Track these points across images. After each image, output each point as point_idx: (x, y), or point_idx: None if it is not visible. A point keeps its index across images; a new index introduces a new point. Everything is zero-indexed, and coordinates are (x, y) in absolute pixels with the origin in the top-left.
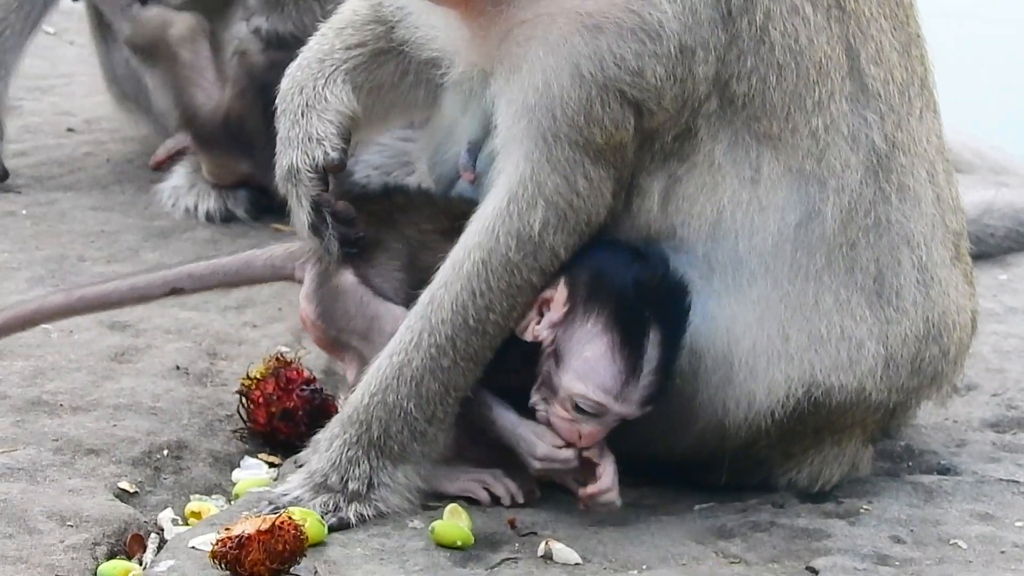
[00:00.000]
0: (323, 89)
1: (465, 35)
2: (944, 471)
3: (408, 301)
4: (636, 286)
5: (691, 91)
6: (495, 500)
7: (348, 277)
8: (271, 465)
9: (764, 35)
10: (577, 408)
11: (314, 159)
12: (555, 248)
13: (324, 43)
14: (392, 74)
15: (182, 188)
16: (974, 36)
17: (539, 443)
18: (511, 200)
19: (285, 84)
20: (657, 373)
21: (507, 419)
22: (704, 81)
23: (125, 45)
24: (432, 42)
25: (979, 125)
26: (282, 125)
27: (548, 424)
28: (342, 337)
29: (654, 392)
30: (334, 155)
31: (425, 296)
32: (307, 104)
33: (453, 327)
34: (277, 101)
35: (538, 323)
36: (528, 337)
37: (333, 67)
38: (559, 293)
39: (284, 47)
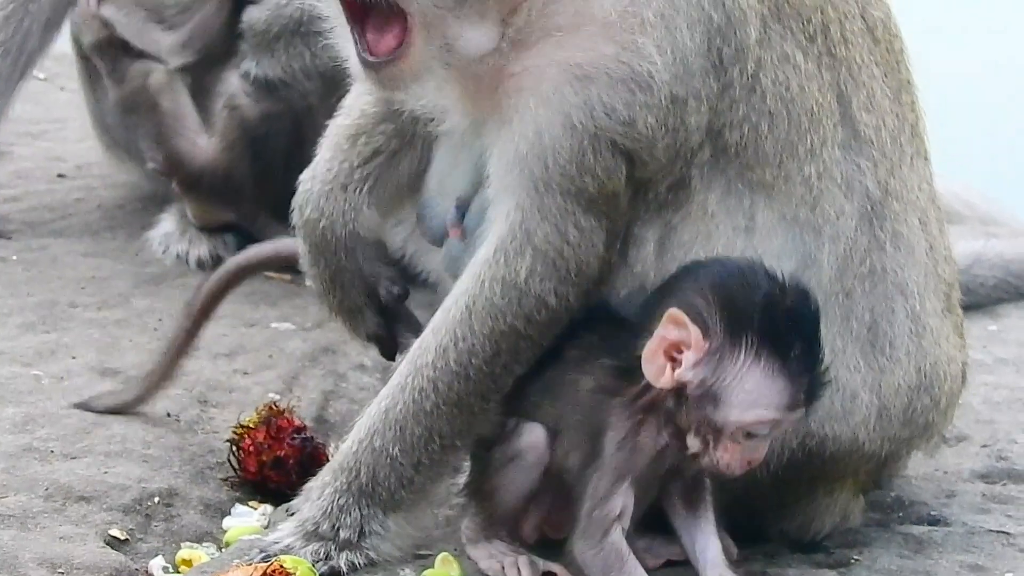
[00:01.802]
0: (355, 226)
1: (456, 92)
2: (934, 522)
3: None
4: (768, 301)
5: (683, 141)
6: None
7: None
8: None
9: (755, 84)
10: (748, 434)
11: (377, 299)
12: (541, 296)
13: (343, 160)
14: (407, 172)
15: (173, 235)
16: (965, 83)
17: None
18: (499, 248)
19: (311, 213)
20: (812, 370)
21: None
22: (697, 131)
23: (116, 107)
24: (424, 100)
25: (969, 174)
26: (320, 265)
27: (718, 467)
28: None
29: (816, 389)
30: (396, 289)
31: (416, 342)
32: (347, 246)
33: (435, 370)
34: (305, 232)
35: (674, 368)
36: (666, 384)
37: (357, 192)
38: (690, 331)
39: (274, 93)
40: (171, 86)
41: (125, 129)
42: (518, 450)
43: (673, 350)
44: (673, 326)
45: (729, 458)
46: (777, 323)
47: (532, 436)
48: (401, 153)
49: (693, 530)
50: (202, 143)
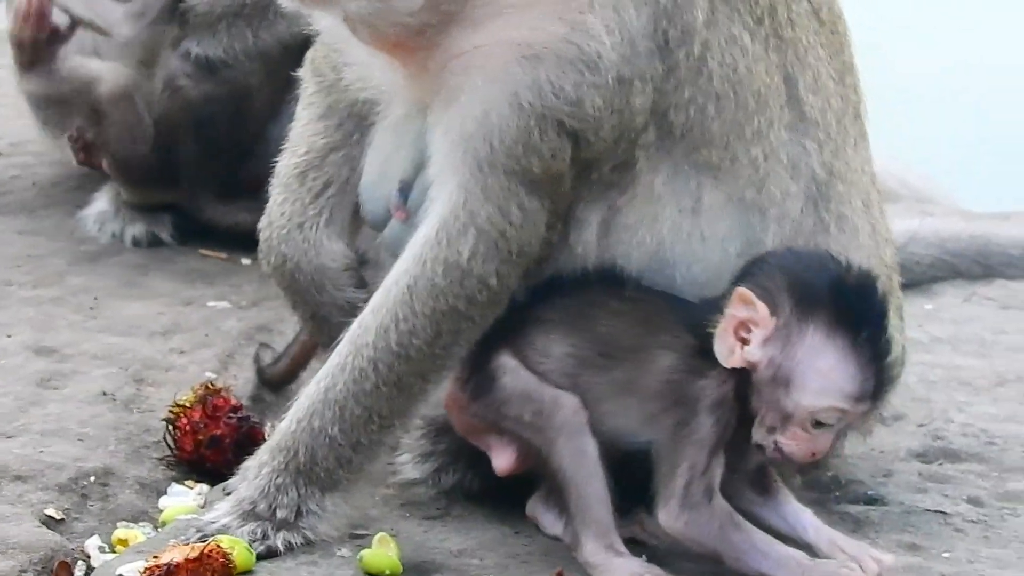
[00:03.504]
0: (320, 260)
1: (402, 74)
2: (871, 501)
3: (577, 377)
4: (838, 285)
5: (628, 122)
6: None
7: (507, 360)
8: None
9: (702, 65)
10: (817, 423)
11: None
12: (483, 277)
13: (294, 200)
14: None
15: (108, 213)
16: (902, 66)
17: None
18: (441, 228)
19: (276, 260)
20: (881, 362)
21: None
22: (641, 112)
23: (42, 99)
24: (369, 83)
25: (904, 153)
26: (303, 305)
27: (781, 456)
28: (503, 424)
29: (884, 383)
30: None
31: (356, 322)
32: (316, 282)
33: (376, 350)
34: (276, 278)
35: (743, 347)
36: (737, 363)
37: (313, 228)
38: (757, 307)
39: (215, 74)
40: (124, 95)
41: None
42: (559, 425)
43: (742, 329)
44: (741, 304)
45: (795, 447)
46: (845, 303)
47: (568, 408)
48: (353, 180)
49: (779, 509)
50: (144, 148)
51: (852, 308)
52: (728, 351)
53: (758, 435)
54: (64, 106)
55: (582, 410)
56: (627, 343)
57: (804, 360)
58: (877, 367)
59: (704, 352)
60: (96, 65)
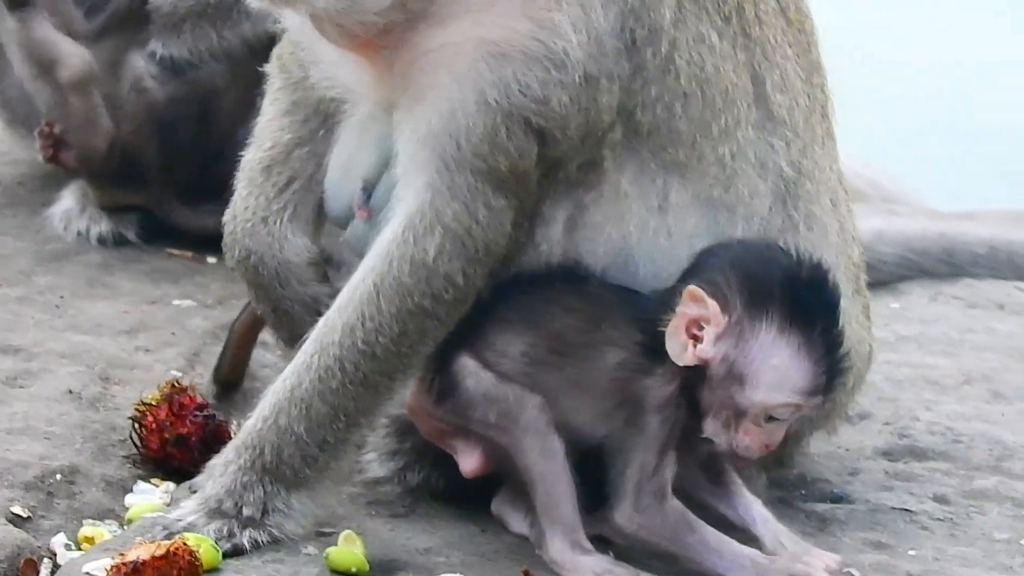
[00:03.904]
0: (284, 254)
1: (369, 73)
2: (837, 500)
3: (534, 375)
4: (789, 278)
5: (595, 120)
6: None
7: (468, 362)
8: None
9: (669, 64)
10: (770, 418)
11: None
12: (450, 275)
13: (258, 194)
14: None
15: (73, 211)
16: (868, 66)
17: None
18: (408, 227)
19: (240, 254)
20: (835, 355)
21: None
22: (608, 111)
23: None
24: (335, 81)
25: (871, 152)
26: (266, 299)
27: (736, 450)
28: (470, 426)
29: (837, 376)
30: None
31: (321, 320)
32: (280, 276)
33: (342, 348)
34: (240, 272)
35: (696, 345)
36: (690, 361)
37: (277, 223)
38: (708, 305)
39: (180, 75)
40: (83, 84)
41: (26, 104)
42: (525, 424)
43: (694, 327)
44: (692, 302)
45: (749, 441)
46: (797, 298)
47: (533, 407)
48: (318, 175)
49: (730, 499)
50: (111, 135)
51: (804, 302)
52: (681, 349)
53: (710, 430)
54: (35, 71)
55: (546, 409)
56: (578, 339)
57: (758, 357)
58: (830, 360)
59: (651, 349)
60: (66, 47)
